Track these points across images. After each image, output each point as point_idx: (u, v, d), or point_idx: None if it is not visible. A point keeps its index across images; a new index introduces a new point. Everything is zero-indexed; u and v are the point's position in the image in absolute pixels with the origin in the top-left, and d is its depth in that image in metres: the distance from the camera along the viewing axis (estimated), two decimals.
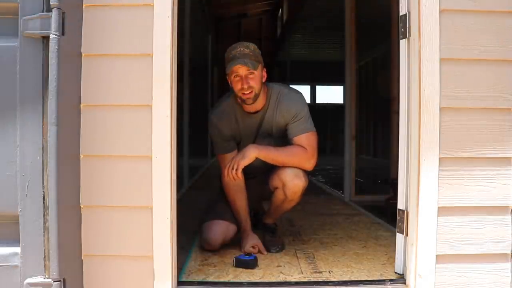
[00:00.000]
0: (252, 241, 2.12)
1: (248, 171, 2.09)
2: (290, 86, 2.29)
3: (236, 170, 1.99)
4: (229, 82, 2.08)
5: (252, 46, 2.05)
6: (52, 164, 1.33)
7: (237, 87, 2.02)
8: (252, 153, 2.00)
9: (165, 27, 1.57)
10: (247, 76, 2.00)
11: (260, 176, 2.23)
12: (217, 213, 2.19)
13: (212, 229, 2.14)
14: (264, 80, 2.10)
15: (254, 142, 2.15)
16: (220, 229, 2.13)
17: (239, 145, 2.19)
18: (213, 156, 8.00)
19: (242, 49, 2.01)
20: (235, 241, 2.25)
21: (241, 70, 1.99)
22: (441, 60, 1.62)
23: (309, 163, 2.07)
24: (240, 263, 1.91)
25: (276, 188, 2.13)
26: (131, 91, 1.57)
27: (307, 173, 2.13)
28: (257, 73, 2.02)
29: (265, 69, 2.12)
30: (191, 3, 4.63)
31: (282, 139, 2.15)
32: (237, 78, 2.02)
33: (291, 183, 2.05)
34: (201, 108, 6.48)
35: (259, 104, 2.10)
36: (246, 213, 2.18)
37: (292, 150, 2.07)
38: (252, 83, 2.00)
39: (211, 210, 2.26)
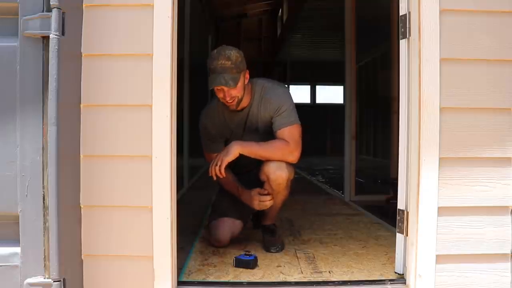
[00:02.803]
0: (255, 191, 2.16)
1: (239, 165, 2.13)
2: (275, 80, 2.31)
3: (220, 166, 2.03)
4: None
5: (234, 55, 2.03)
6: (52, 164, 1.33)
7: (219, 95, 2.09)
8: (235, 150, 2.05)
9: (165, 27, 1.57)
10: (228, 90, 2.04)
11: (254, 169, 2.25)
12: (222, 212, 2.26)
13: (219, 228, 2.22)
14: (246, 81, 2.13)
15: (242, 137, 2.20)
16: (227, 227, 2.22)
17: (228, 141, 2.21)
18: None
19: (223, 62, 2.01)
20: (235, 241, 2.26)
21: (222, 88, 2.04)
22: (441, 60, 1.62)
23: (292, 156, 2.11)
24: (240, 263, 1.91)
25: (264, 182, 2.16)
26: (131, 91, 1.57)
27: (293, 166, 2.16)
28: (238, 85, 2.05)
29: (247, 71, 2.13)
30: (191, 3, 4.63)
31: (268, 133, 2.18)
32: (219, 91, 2.06)
33: (274, 175, 2.08)
34: (201, 108, 6.46)
35: (244, 102, 2.16)
36: (238, 185, 2.24)
37: (274, 144, 2.10)
38: (234, 93, 2.06)
39: (216, 210, 2.32)
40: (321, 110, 10.59)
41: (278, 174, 2.08)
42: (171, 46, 1.58)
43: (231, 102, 2.08)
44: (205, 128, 2.26)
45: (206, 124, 2.25)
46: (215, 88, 2.05)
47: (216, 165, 2.04)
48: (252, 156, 2.10)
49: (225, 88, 2.03)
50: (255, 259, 1.95)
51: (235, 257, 1.94)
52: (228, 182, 2.25)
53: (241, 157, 2.07)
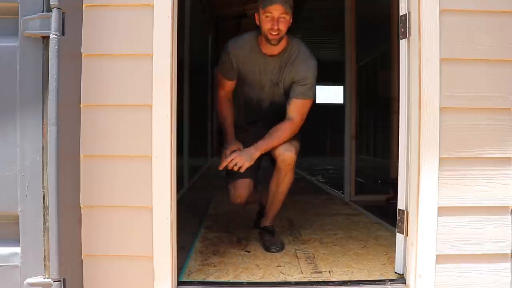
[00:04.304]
0: (235, 145, 2.24)
1: (255, 120, 2.34)
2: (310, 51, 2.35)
3: (240, 169, 2.11)
4: (256, 20, 2.16)
5: None
6: (52, 164, 1.33)
7: (266, 26, 2.10)
8: (255, 154, 2.16)
9: (165, 27, 1.57)
10: (279, 18, 2.08)
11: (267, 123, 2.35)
12: (238, 174, 2.29)
13: (238, 186, 2.31)
14: (290, 25, 2.17)
15: (263, 88, 2.30)
16: (245, 185, 2.30)
17: (244, 80, 2.31)
18: (212, 156, 7.98)
19: None
20: (236, 241, 2.26)
21: (277, 11, 2.07)
22: (441, 60, 1.62)
23: (296, 131, 2.25)
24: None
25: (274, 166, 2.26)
26: (131, 91, 1.57)
27: (299, 143, 2.27)
28: (288, 17, 2.11)
29: (292, 16, 2.17)
30: (191, 3, 4.63)
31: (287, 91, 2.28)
32: (269, 18, 2.09)
33: (284, 155, 2.18)
34: (201, 108, 6.47)
35: (278, 48, 2.20)
36: (232, 121, 2.36)
37: (281, 130, 2.20)
38: (281, 26, 2.09)
39: (231, 173, 2.33)
40: (321, 110, 10.57)
41: (287, 154, 2.17)
42: (171, 46, 1.58)
43: (275, 36, 2.10)
44: (228, 54, 2.26)
45: (232, 52, 2.26)
46: (264, 17, 2.08)
47: (235, 164, 2.11)
48: (268, 150, 2.20)
49: (276, 16, 2.06)
50: None
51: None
52: (227, 118, 2.35)
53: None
